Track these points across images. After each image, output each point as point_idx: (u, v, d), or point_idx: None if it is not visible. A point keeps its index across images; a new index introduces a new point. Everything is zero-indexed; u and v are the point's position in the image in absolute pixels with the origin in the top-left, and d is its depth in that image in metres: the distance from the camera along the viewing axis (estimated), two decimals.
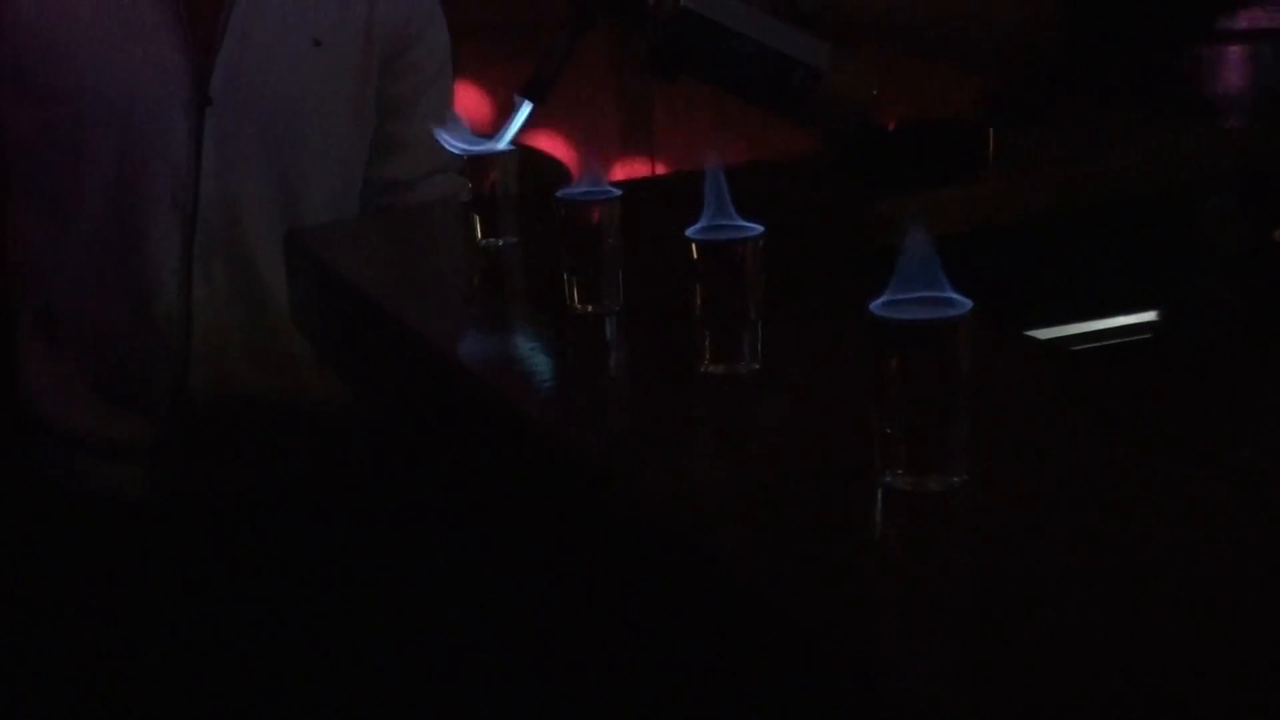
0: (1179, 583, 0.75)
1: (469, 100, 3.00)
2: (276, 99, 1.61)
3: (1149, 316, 1.71)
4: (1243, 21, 2.19)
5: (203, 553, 1.68)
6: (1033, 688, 0.67)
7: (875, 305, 0.83)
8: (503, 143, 1.29)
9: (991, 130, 1.74)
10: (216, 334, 1.63)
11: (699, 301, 1.03)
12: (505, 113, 1.48)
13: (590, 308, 1.21)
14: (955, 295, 0.82)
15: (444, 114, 1.75)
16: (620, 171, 3.37)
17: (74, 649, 1.67)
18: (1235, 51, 2.40)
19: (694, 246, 1.02)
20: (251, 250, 1.62)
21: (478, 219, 1.47)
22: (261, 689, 1.70)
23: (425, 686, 1.58)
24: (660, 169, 3.47)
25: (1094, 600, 0.74)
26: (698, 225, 1.02)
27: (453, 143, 1.40)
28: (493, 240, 1.46)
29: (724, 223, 1.02)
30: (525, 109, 1.26)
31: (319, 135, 1.66)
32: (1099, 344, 1.68)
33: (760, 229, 1.02)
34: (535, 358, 1.23)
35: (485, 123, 1.83)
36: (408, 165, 1.80)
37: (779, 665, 0.77)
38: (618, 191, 1.19)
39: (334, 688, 1.71)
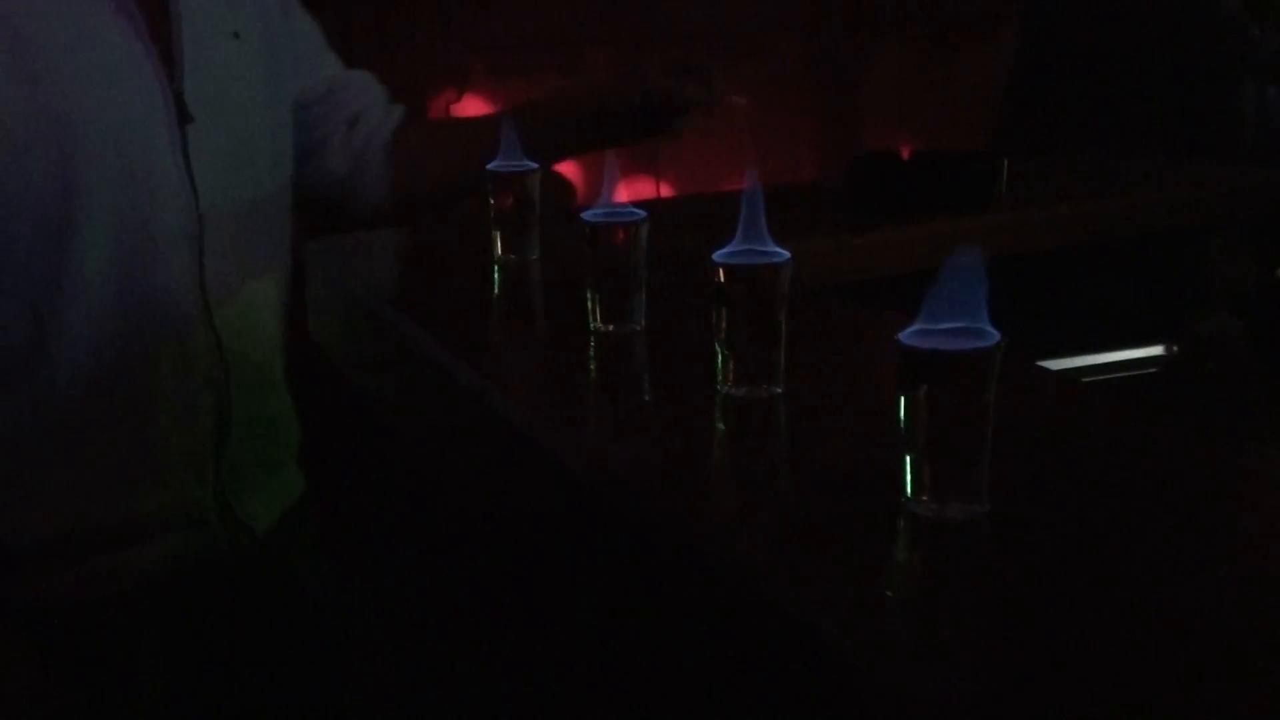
0: (1195, 615, 0.76)
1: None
2: (230, 102, 1.55)
3: (1158, 350, 1.73)
4: None
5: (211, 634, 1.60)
6: (1048, 716, 0.68)
7: (905, 334, 0.84)
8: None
9: (1005, 162, 1.76)
10: (247, 362, 1.56)
11: (723, 324, 1.04)
12: None
13: (613, 327, 1.22)
14: (985, 326, 0.84)
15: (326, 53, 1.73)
16: (624, 193, 3.37)
17: None
18: (1248, 93, 2.42)
19: (720, 270, 1.03)
20: (254, 259, 1.57)
21: (498, 235, 1.48)
22: None
23: (453, 701, 1.56)
24: (664, 191, 3.48)
25: (1109, 627, 0.75)
26: (727, 248, 1.03)
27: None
28: (513, 257, 1.47)
29: (752, 247, 1.03)
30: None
31: (270, 137, 1.60)
32: (1109, 376, 1.70)
33: (786, 254, 1.03)
34: (556, 376, 1.24)
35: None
36: (324, 71, 1.72)
37: (798, 685, 0.78)
38: (643, 213, 1.20)
39: None
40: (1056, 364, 1.62)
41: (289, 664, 1.63)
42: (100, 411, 1.46)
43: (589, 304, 1.22)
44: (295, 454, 1.67)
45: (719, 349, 1.05)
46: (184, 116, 1.46)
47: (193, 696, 1.56)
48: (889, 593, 0.81)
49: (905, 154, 1.79)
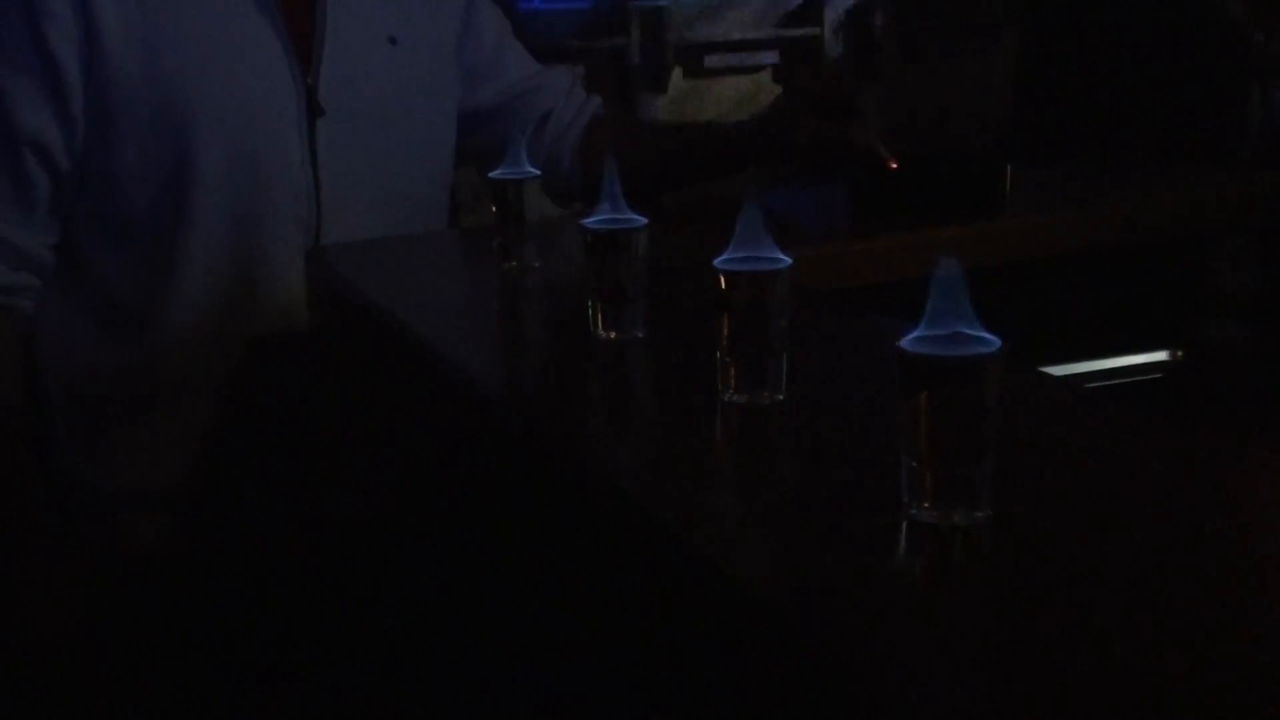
0: (1199, 621, 0.76)
1: None
2: (370, 103, 1.60)
3: (1163, 356, 1.72)
4: None
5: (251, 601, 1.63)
6: None
7: (905, 341, 0.83)
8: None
9: (1009, 168, 1.76)
10: None
11: (724, 331, 1.04)
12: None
13: (614, 334, 1.22)
14: (984, 332, 0.83)
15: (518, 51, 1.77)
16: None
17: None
18: (1253, 98, 2.41)
19: (721, 276, 1.03)
20: None
21: (501, 242, 1.48)
22: None
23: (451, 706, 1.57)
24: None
25: (1112, 635, 0.74)
26: (726, 254, 1.03)
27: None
28: (514, 263, 1.47)
29: (753, 253, 1.02)
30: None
31: (404, 138, 1.64)
32: (1114, 382, 1.69)
33: (788, 260, 1.02)
34: (558, 383, 1.23)
35: None
36: (514, 74, 1.79)
37: (800, 694, 0.77)
38: (643, 220, 1.20)
39: None
40: (1061, 369, 1.61)
41: (320, 646, 1.66)
42: (199, 373, 1.53)
43: (589, 311, 1.22)
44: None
45: (720, 356, 1.05)
46: (314, 109, 1.52)
47: (220, 661, 1.59)
48: (891, 600, 0.81)
49: (907, 160, 1.79)
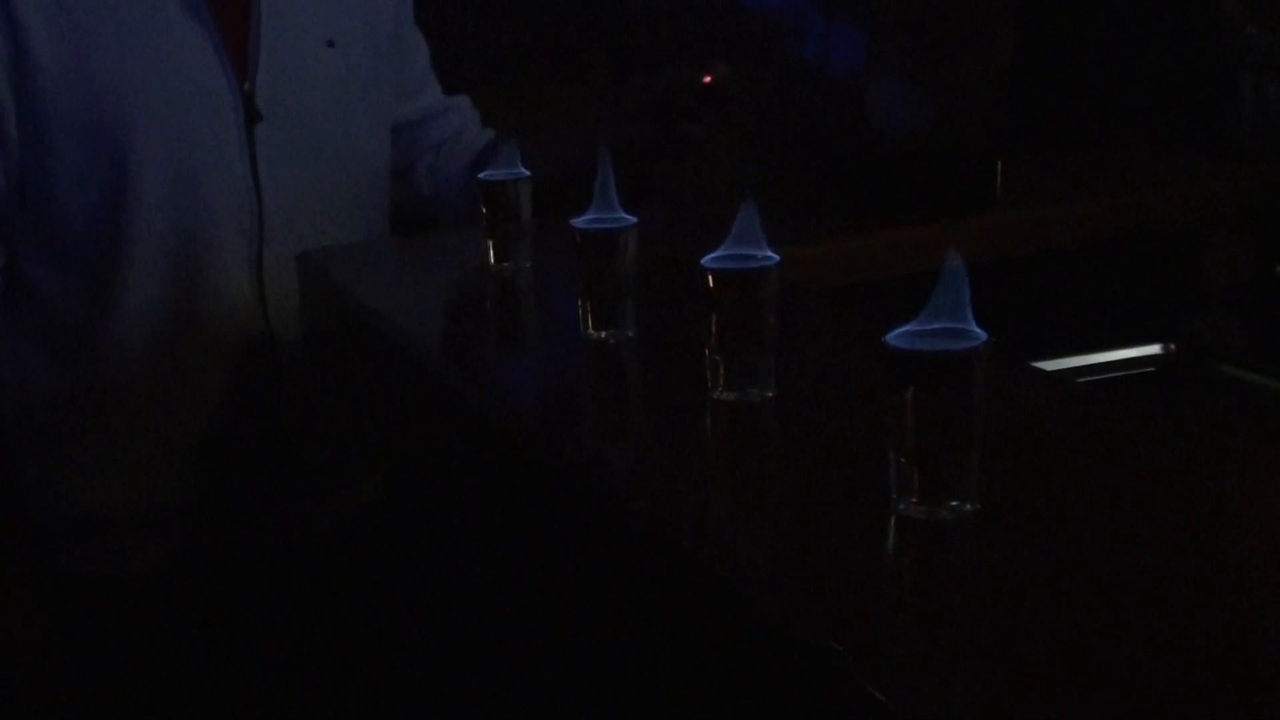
0: (1191, 615, 0.76)
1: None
2: (309, 107, 1.58)
3: (1155, 349, 1.72)
4: None
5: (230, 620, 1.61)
6: (1041, 715, 0.68)
7: (892, 336, 0.83)
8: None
9: (1000, 163, 1.76)
10: (300, 358, 1.58)
11: (713, 329, 1.04)
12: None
13: (604, 333, 1.22)
14: (971, 327, 0.83)
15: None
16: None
17: None
18: (1246, 90, 2.41)
19: (709, 275, 1.03)
20: None
21: (491, 244, 1.48)
22: None
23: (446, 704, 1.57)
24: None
25: (1103, 629, 0.74)
26: (715, 253, 1.03)
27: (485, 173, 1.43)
28: (505, 265, 1.47)
29: (741, 251, 1.03)
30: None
31: (345, 142, 1.63)
32: (1105, 376, 1.69)
33: (776, 258, 1.03)
34: (549, 383, 1.24)
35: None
36: (432, 94, 1.79)
37: (790, 689, 0.77)
38: (633, 219, 1.20)
39: None
40: (1052, 364, 1.61)
41: (307, 656, 1.65)
42: (149, 390, 1.51)
43: (580, 311, 1.22)
44: (360, 454, 1.68)
45: (710, 354, 1.05)
46: (252, 115, 1.50)
47: (213, 679, 1.58)
48: (880, 594, 0.81)
49: (901, 155, 1.79)
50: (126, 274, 1.49)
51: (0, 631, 1.54)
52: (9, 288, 1.53)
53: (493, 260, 1.48)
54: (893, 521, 0.86)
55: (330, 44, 1.59)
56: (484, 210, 1.47)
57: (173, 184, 1.49)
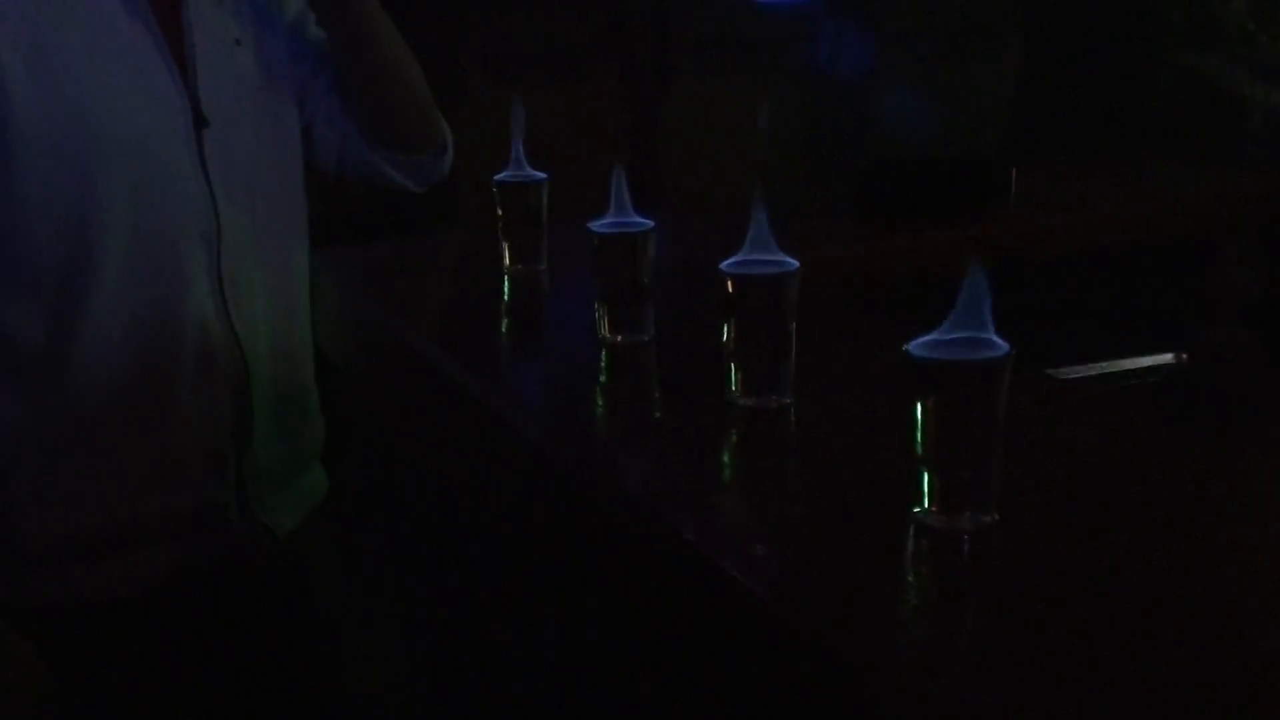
0: (1205, 624, 0.76)
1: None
2: (238, 109, 1.57)
3: (1168, 359, 1.72)
4: None
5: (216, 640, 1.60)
6: None
7: (913, 345, 0.84)
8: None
9: (1015, 170, 1.76)
10: (267, 362, 1.57)
11: (731, 334, 1.04)
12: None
13: (621, 337, 1.22)
14: (993, 337, 0.84)
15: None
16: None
17: None
18: (1255, 99, 2.41)
19: (728, 280, 1.03)
20: (273, 260, 1.59)
21: (507, 246, 1.48)
22: None
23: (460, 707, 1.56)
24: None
25: (1119, 637, 0.75)
26: (734, 258, 1.03)
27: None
28: (520, 267, 1.47)
29: (760, 257, 1.03)
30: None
31: (278, 142, 1.61)
32: (1117, 384, 1.69)
33: (795, 264, 1.03)
34: (565, 386, 1.24)
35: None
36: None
37: (807, 694, 0.78)
38: (650, 223, 1.21)
39: None
40: (1066, 372, 1.61)
41: (301, 664, 1.64)
42: (120, 411, 1.49)
43: (597, 314, 1.22)
44: (320, 455, 1.67)
45: (727, 359, 1.05)
46: (200, 121, 1.49)
47: (206, 697, 1.57)
48: (898, 602, 0.81)
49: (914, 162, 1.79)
50: (92, 293, 1.47)
51: None
52: None
53: (508, 262, 1.48)
54: (911, 530, 0.86)
55: (237, 43, 1.59)
56: (500, 212, 1.47)
57: (135, 196, 1.47)
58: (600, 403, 1.18)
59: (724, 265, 1.03)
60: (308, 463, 1.65)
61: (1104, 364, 1.70)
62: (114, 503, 1.50)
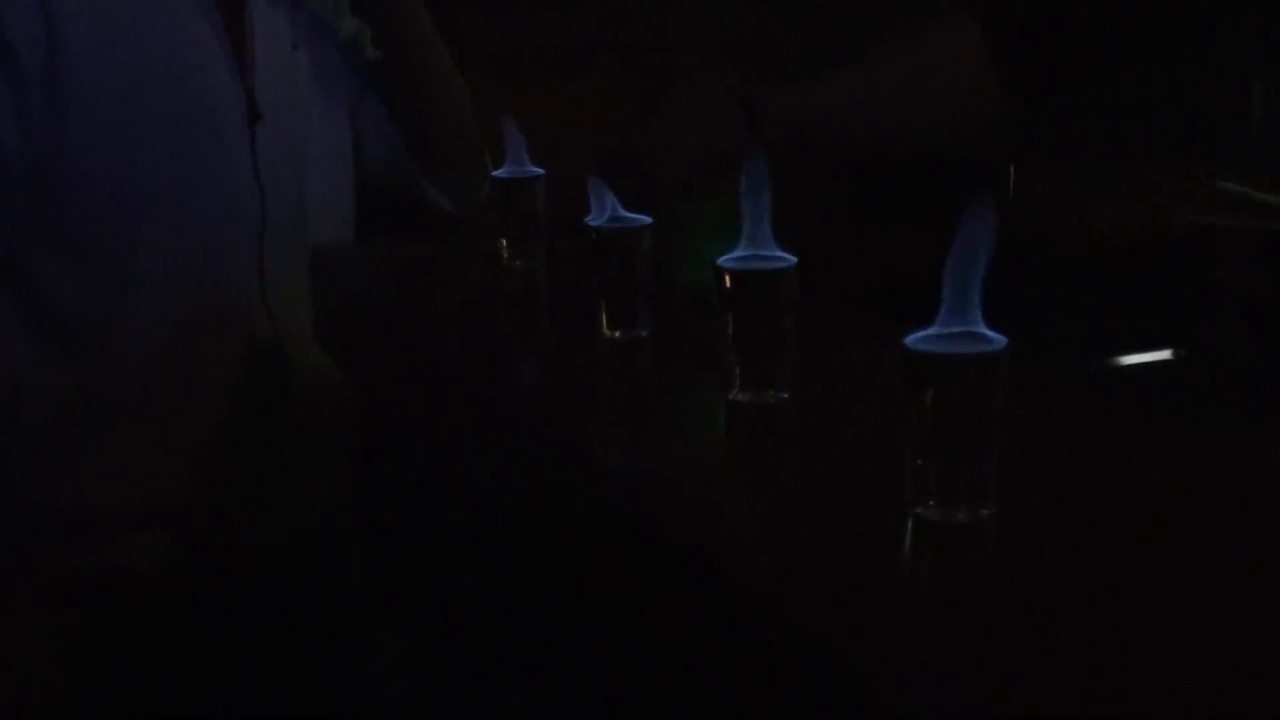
0: (1203, 619, 0.76)
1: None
2: (292, 105, 1.61)
3: (1165, 355, 1.72)
4: None
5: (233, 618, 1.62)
6: (1055, 717, 0.68)
7: (910, 340, 0.84)
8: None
9: (1012, 168, 1.76)
10: (303, 355, 1.59)
11: (730, 330, 1.05)
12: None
13: (619, 333, 1.22)
14: (988, 331, 0.84)
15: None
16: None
17: None
18: (1257, 97, 2.41)
19: (726, 275, 1.03)
20: (309, 255, 1.62)
21: (504, 242, 1.48)
22: None
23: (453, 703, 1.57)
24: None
25: (1118, 632, 0.75)
26: (732, 254, 1.03)
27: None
28: (519, 263, 1.48)
29: (759, 252, 1.03)
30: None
31: (330, 141, 1.65)
32: (1116, 380, 1.69)
33: (793, 259, 1.03)
34: (564, 383, 1.24)
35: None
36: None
37: (805, 690, 0.78)
38: (648, 219, 1.21)
39: None
40: (1064, 367, 1.61)
41: (308, 656, 1.65)
42: (159, 389, 1.52)
43: (595, 311, 1.22)
44: (351, 448, 1.68)
45: (726, 355, 1.05)
46: (254, 114, 1.52)
47: (214, 676, 1.58)
48: (896, 597, 0.81)
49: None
50: (136, 269, 1.50)
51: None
52: (7, 283, 1.53)
53: (506, 258, 1.48)
54: (909, 524, 0.86)
55: (294, 46, 1.63)
56: (497, 209, 1.47)
57: (181, 181, 1.51)
58: (598, 399, 1.18)
59: (722, 261, 1.03)
60: (342, 458, 1.66)
61: (1102, 359, 1.70)
62: (148, 478, 1.53)
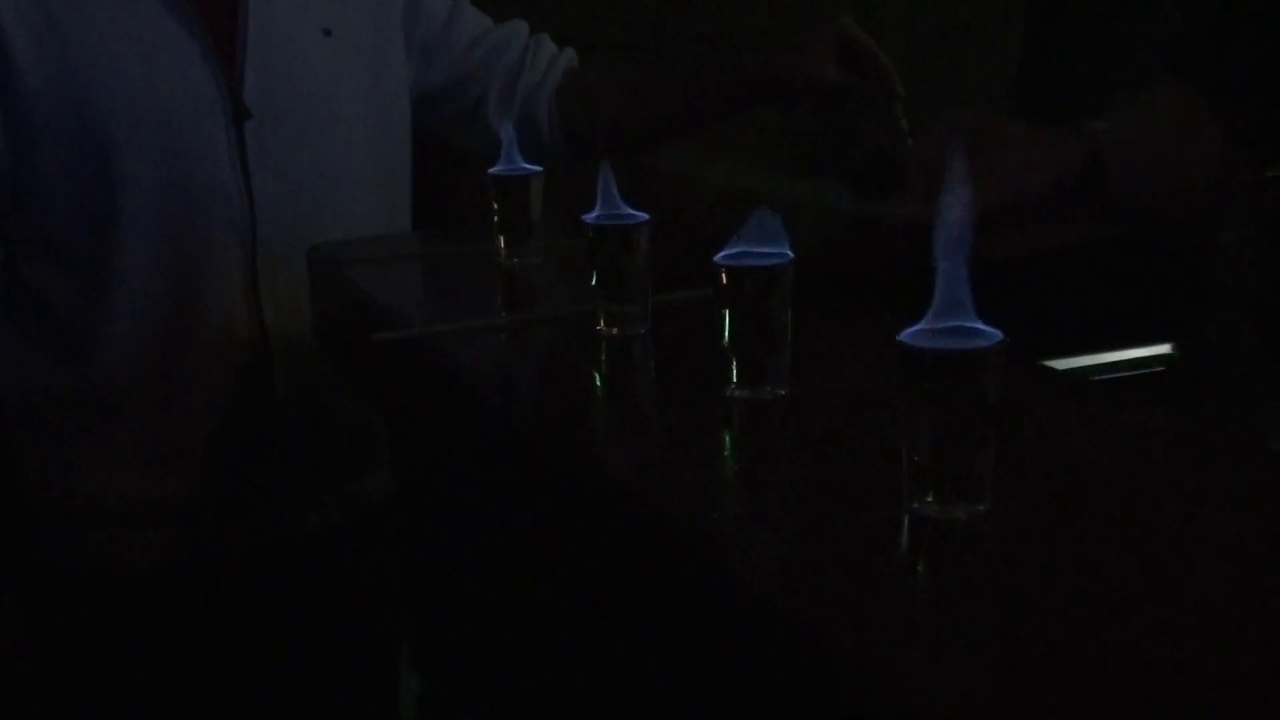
0: (1201, 616, 0.76)
1: None
2: (303, 101, 1.55)
3: (1165, 349, 1.72)
4: None
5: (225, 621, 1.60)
6: (1053, 715, 0.68)
7: (905, 335, 0.83)
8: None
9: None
10: (296, 358, 1.57)
11: (727, 326, 1.04)
12: None
13: (617, 330, 1.22)
14: (983, 326, 0.83)
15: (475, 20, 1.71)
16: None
17: None
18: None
19: (723, 272, 1.03)
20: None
21: (502, 239, 1.48)
22: None
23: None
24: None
25: (1116, 628, 0.74)
26: (727, 250, 1.03)
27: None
28: (516, 260, 1.47)
29: (753, 249, 1.03)
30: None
31: (345, 135, 1.59)
32: (1115, 375, 1.69)
33: (789, 255, 1.03)
34: (561, 380, 1.23)
35: None
36: (467, 39, 1.70)
37: (802, 688, 0.77)
38: (645, 216, 1.20)
39: None
40: (1062, 363, 1.61)
41: (295, 657, 1.64)
42: (143, 389, 1.51)
43: (593, 307, 1.22)
44: (364, 450, 1.66)
45: (723, 351, 1.05)
46: (240, 113, 1.48)
47: (203, 676, 1.58)
48: (893, 594, 0.81)
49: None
50: (120, 273, 1.49)
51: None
52: (8, 287, 1.52)
53: (503, 256, 1.48)
54: (906, 521, 0.86)
55: (327, 32, 1.57)
56: (494, 205, 1.47)
57: (161, 185, 1.48)
58: (596, 396, 1.18)
59: (718, 257, 1.03)
60: (343, 466, 1.65)
61: (1102, 354, 1.69)
62: (139, 475, 1.53)
